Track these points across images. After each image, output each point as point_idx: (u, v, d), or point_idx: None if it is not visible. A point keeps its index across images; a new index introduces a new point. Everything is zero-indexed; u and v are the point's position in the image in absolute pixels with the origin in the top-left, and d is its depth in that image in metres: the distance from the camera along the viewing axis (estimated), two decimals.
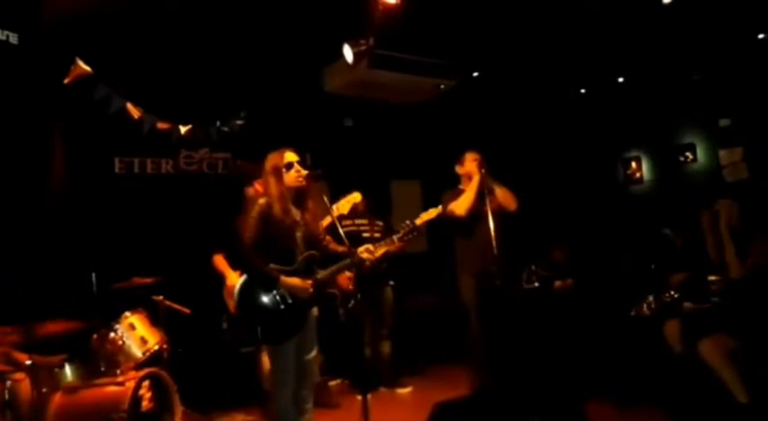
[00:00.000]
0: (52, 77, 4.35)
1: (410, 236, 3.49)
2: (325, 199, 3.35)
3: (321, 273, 3.09)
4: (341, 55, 4.60)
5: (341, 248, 3.23)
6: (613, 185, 6.79)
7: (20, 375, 3.26)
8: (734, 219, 3.56)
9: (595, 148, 6.79)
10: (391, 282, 4.98)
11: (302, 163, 3.15)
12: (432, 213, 3.98)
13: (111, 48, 4.51)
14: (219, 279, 4.17)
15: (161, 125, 4.73)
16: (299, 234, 3.10)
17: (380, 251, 3.40)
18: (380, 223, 4.93)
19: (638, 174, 6.61)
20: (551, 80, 6.14)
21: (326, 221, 3.58)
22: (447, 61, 5.13)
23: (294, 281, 2.97)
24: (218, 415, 4.32)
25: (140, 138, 4.73)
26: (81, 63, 4.32)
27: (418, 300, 6.11)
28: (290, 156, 3.13)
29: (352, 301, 4.29)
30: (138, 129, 4.67)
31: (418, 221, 3.74)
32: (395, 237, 3.46)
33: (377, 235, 4.69)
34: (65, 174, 4.82)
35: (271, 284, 2.95)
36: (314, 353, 3.16)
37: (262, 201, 3.03)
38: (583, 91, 6.50)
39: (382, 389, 4.84)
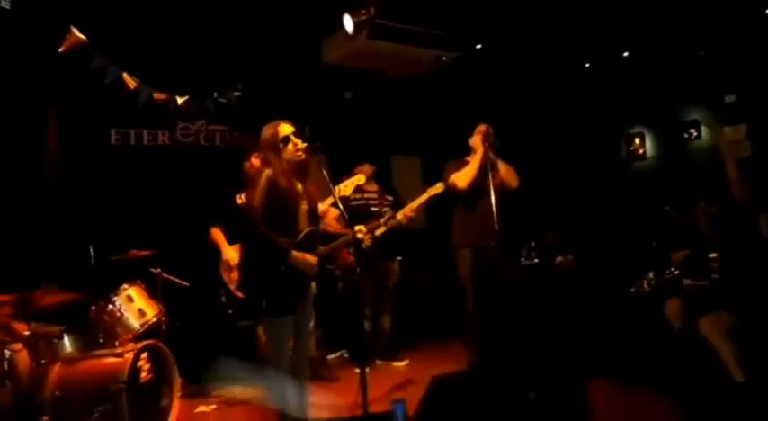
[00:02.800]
0: (47, 45, 4.26)
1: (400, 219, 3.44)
2: (325, 173, 3.27)
3: (322, 249, 3.07)
4: (340, 26, 4.51)
5: (336, 228, 3.24)
6: (616, 161, 6.74)
7: (18, 345, 3.26)
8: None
9: (599, 124, 6.72)
10: (399, 257, 4.97)
11: (298, 134, 3.05)
12: (438, 188, 3.98)
13: (106, 16, 4.41)
14: (217, 252, 4.15)
15: (157, 96, 4.68)
16: (303, 207, 3.05)
17: (379, 231, 3.37)
18: (390, 198, 4.89)
19: (641, 151, 6.56)
20: (555, 54, 6.04)
21: (329, 201, 3.52)
22: (449, 33, 5.03)
23: (305, 255, 2.92)
24: (215, 387, 4.35)
25: (136, 109, 4.67)
26: (76, 31, 4.24)
27: (416, 276, 6.12)
28: (285, 129, 3.03)
29: (356, 275, 4.28)
30: (134, 100, 4.60)
31: (425, 196, 3.75)
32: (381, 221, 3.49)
33: (385, 209, 4.66)
34: (60, 145, 4.76)
35: (282, 257, 2.88)
36: (311, 330, 3.17)
37: (269, 171, 2.94)
38: (587, 65, 6.40)
39: (378, 362, 4.87)
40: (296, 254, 2.89)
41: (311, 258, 2.94)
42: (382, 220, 3.70)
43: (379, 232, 3.90)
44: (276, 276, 2.90)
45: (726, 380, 3.13)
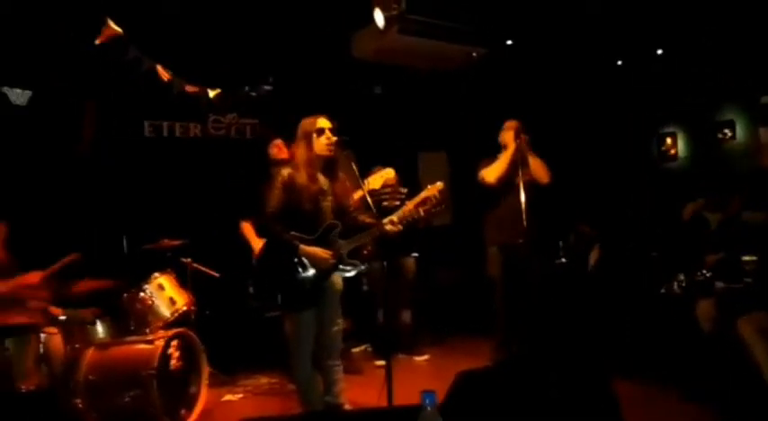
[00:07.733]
0: (84, 38, 4.36)
1: (432, 207, 3.24)
2: (354, 167, 3.27)
3: (343, 244, 3.04)
4: (370, 20, 4.51)
5: (368, 219, 3.19)
6: (647, 161, 6.61)
7: (53, 329, 3.36)
8: None
9: (631, 123, 6.60)
10: (415, 254, 4.96)
11: (333, 131, 3.09)
12: (433, 190, 3.61)
13: (141, 9, 4.49)
14: (246, 244, 4.20)
15: (190, 88, 4.74)
16: (325, 203, 3.08)
17: (404, 219, 3.25)
18: (404, 190, 4.86)
19: (672, 151, 6.42)
20: (587, 51, 5.95)
21: (358, 194, 3.51)
22: (480, 29, 4.99)
23: (315, 250, 2.95)
24: (242, 377, 4.42)
25: (170, 101, 4.75)
26: (112, 24, 4.32)
27: (442, 272, 6.10)
28: (323, 122, 3.08)
29: (363, 268, 4.27)
30: (167, 93, 4.68)
31: (422, 195, 3.42)
32: (411, 205, 3.15)
33: (396, 203, 4.63)
34: (96, 137, 4.87)
35: (291, 252, 2.94)
36: (339, 326, 3.17)
37: (285, 172, 3.02)
38: (619, 62, 6.29)
39: (400, 356, 4.88)
40: (304, 248, 2.93)
41: (322, 253, 2.96)
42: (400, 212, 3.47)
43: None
44: (290, 271, 2.95)
45: (758, 381, 3.07)
